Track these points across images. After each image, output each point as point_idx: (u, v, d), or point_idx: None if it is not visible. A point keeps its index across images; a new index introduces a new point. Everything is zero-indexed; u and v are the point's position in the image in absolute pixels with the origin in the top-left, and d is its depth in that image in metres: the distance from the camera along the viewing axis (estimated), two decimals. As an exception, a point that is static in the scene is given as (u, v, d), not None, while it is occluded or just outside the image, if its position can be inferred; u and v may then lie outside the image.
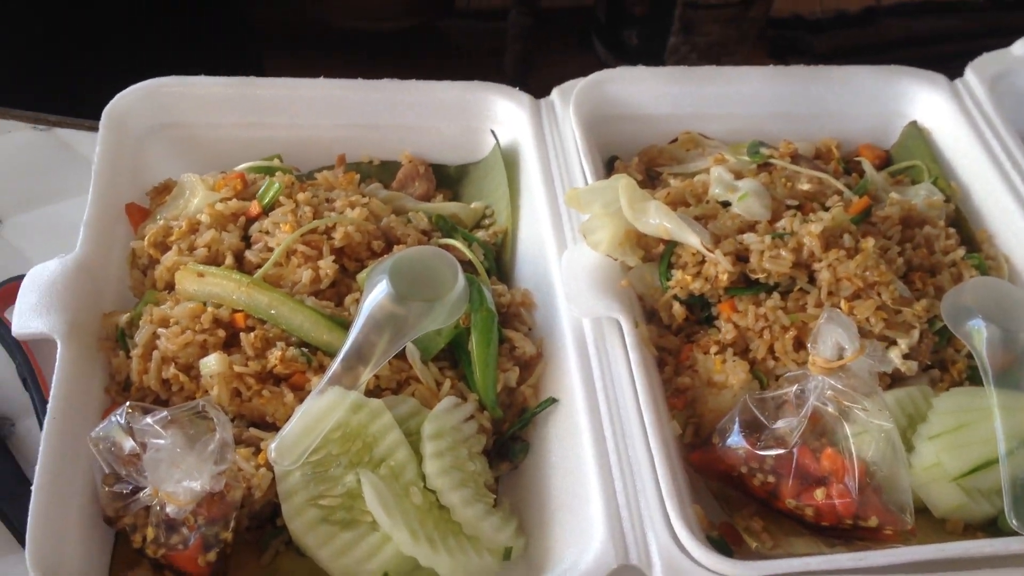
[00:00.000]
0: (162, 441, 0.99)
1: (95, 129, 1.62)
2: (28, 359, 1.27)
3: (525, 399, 1.26)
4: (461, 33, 3.88)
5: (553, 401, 1.23)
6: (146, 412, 1.05)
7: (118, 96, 1.46)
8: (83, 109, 1.72)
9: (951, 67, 1.67)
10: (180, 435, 1.00)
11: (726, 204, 1.37)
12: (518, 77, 3.64)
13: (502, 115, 1.56)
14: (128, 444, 1.03)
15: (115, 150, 1.41)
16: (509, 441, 1.24)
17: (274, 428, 1.16)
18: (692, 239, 1.27)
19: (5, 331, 1.30)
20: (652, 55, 3.68)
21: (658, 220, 1.28)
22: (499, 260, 1.45)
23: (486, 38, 3.76)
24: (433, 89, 1.56)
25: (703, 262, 1.28)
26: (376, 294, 1.17)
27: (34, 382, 1.25)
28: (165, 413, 1.02)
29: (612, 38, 3.75)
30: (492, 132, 1.55)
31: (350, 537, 1.08)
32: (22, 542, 1.13)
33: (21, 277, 1.32)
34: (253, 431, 1.15)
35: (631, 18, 3.77)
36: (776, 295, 1.26)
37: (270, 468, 1.10)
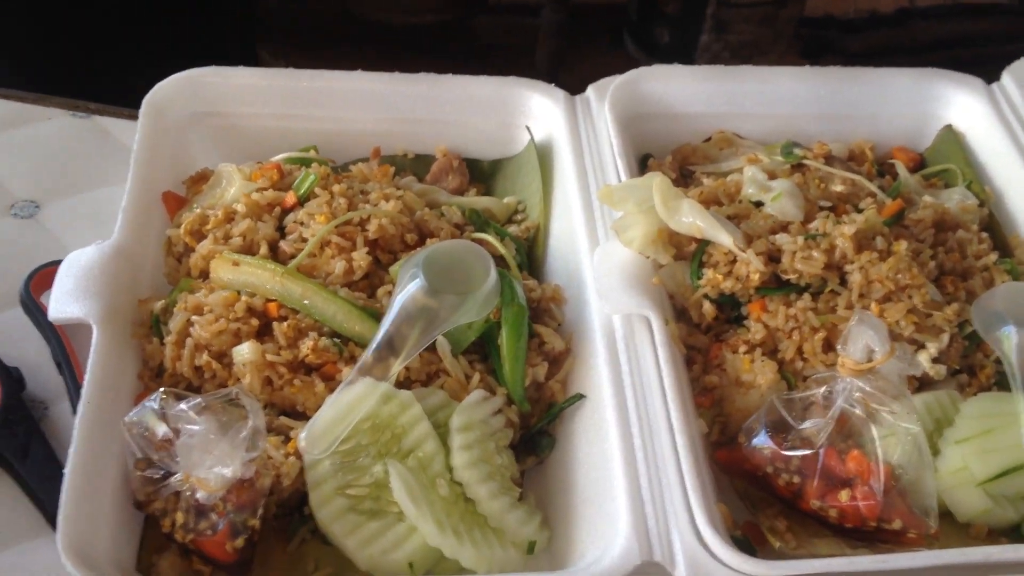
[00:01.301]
0: (195, 427, 1.01)
1: (134, 117, 1.64)
2: (63, 344, 1.29)
3: (553, 394, 1.27)
4: (494, 29, 3.89)
5: (581, 397, 1.23)
6: (179, 398, 1.07)
7: (158, 85, 1.48)
8: (121, 97, 1.74)
9: (984, 70, 1.66)
10: (213, 421, 1.01)
11: (759, 204, 1.37)
12: (550, 73, 3.64)
13: (537, 111, 1.57)
14: (161, 429, 1.04)
15: (154, 138, 1.43)
16: (536, 436, 1.25)
17: (304, 417, 1.17)
18: (724, 238, 1.27)
19: (41, 315, 1.32)
20: (684, 53, 3.68)
21: (691, 219, 1.28)
22: (531, 255, 1.46)
23: (518, 34, 3.76)
24: (469, 84, 1.57)
25: (735, 261, 1.28)
26: (409, 286, 1.18)
27: (68, 367, 1.27)
28: (199, 400, 1.03)
29: (644, 36, 3.75)
30: (527, 128, 1.56)
31: (376, 527, 1.09)
32: (53, 525, 1.15)
33: (58, 262, 1.34)
34: (284, 419, 1.16)
35: (663, 16, 3.76)
36: (807, 296, 1.26)
37: (299, 457, 1.11)
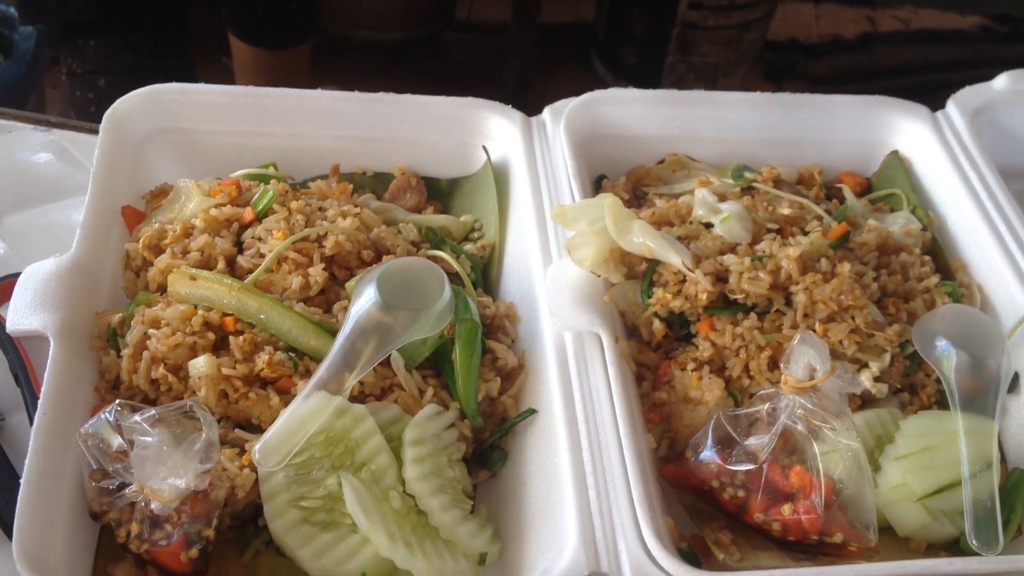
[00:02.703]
0: (149, 439, 1.02)
1: (94, 132, 1.66)
2: (20, 355, 1.30)
3: (505, 409, 1.29)
4: (461, 46, 3.92)
5: (532, 412, 1.26)
6: (135, 410, 1.08)
7: (119, 100, 1.49)
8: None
9: (943, 95, 1.70)
10: (167, 433, 1.03)
11: (709, 225, 1.40)
12: (517, 92, 3.68)
13: (494, 131, 1.59)
14: (116, 441, 1.06)
15: (114, 153, 1.44)
16: (488, 450, 1.27)
17: (259, 430, 1.19)
18: (674, 258, 1.30)
19: (-1, 328, 1.33)
20: (650, 74, 3.72)
21: (641, 239, 1.31)
22: (486, 273, 1.48)
23: (487, 52, 3.80)
24: (427, 104, 1.60)
25: (684, 281, 1.31)
26: (364, 302, 1.20)
27: (26, 378, 1.27)
28: (153, 412, 1.05)
29: (610, 56, 3.79)
30: (484, 148, 1.58)
31: (330, 538, 1.11)
32: (10, 535, 1.16)
33: (14, 275, 1.35)
34: (239, 432, 1.18)
35: (630, 36, 3.79)
36: (753, 315, 1.29)
37: (254, 469, 1.12)
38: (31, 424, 1.23)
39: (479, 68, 3.78)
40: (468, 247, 1.50)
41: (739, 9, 3.60)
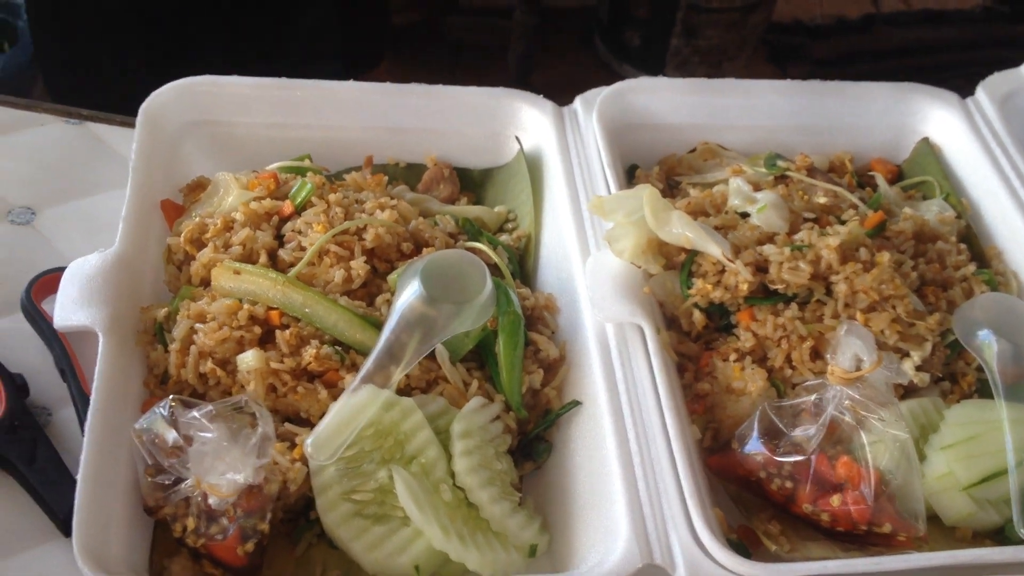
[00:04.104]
0: (208, 435, 1.03)
1: (125, 124, 1.66)
2: (66, 351, 1.31)
3: (549, 401, 1.30)
4: (465, 29, 3.91)
5: (577, 404, 1.27)
6: (187, 406, 1.09)
7: (154, 94, 1.49)
8: (111, 104, 1.76)
9: (947, 76, 1.70)
10: (224, 429, 1.04)
11: (744, 215, 1.41)
12: (520, 75, 3.68)
13: (526, 121, 1.60)
14: (171, 436, 1.07)
15: (151, 146, 1.44)
16: (533, 441, 1.28)
17: (308, 424, 1.19)
18: (713, 249, 1.30)
19: (43, 322, 1.34)
20: (653, 57, 3.71)
21: (680, 230, 1.32)
22: (522, 264, 1.49)
23: (490, 35, 3.79)
24: (459, 94, 1.60)
25: (723, 271, 1.32)
26: (408, 295, 1.21)
27: (72, 374, 1.28)
28: (210, 407, 1.06)
29: (614, 39, 3.78)
30: (516, 138, 1.59)
31: (382, 531, 1.12)
32: (61, 529, 1.17)
33: (57, 270, 1.36)
34: (288, 426, 1.18)
35: (633, 19, 3.79)
36: (794, 306, 1.29)
37: (305, 463, 1.13)
38: (79, 419, 1.25)
39: (483, 51, 3.77)
40: (503, 238, 1.50)
41: (743, -9, 3.60)
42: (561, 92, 1.64)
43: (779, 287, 1.30)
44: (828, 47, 4.13)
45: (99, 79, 2.33)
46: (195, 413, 1.04)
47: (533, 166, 1.57)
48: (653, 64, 3.80)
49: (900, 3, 4.25)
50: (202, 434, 1.04)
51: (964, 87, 1.70)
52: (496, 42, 3.64)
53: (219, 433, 1.03)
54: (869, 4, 4.27)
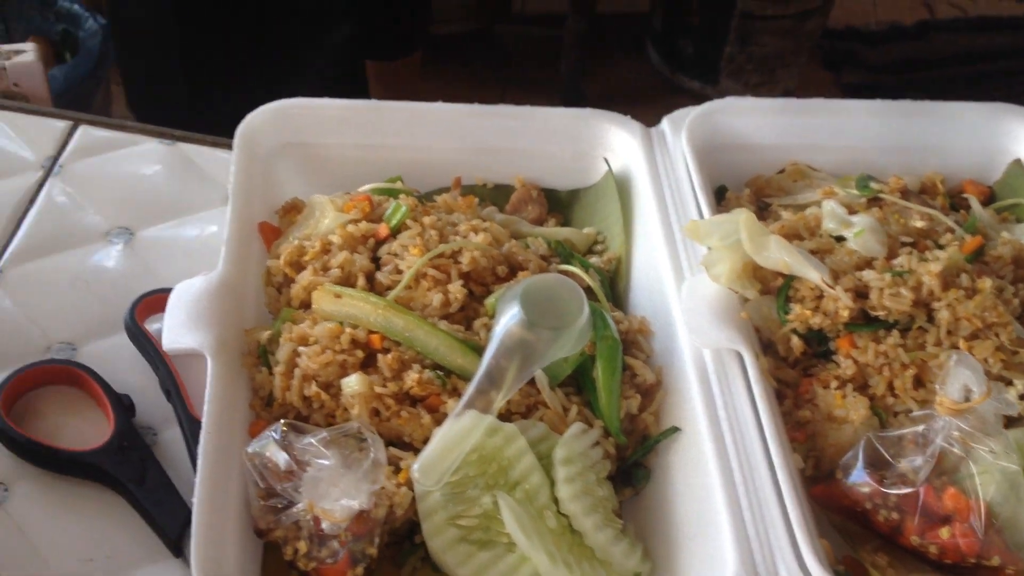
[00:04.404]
0: (326, 462, 1.04)
1: (216, 145, 1.69)
2: (171, 371, 1.33)
3: (646, 426, 1.30)
4: (517, 38, 3.93)
5: (676, 430, 1.27)
6: (297, 430, 1.11)
7: (249, 116, 1.51)
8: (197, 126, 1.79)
9: (1001, 84, 1.68)
10: (339, 455, 1.05)
11: (839, 238, 1.40)
12: (572, 83, 3.69)
13: (613, 142, 1.60)
14: (283, 460, 1.08)
15: (248, 168, 1.46)
16: (631, 467, 1.28)
17: (411, 448, 1.20)
18: (812, 274, 1.30)
19: (147, 343, 1.36)
20: (707, 65, 3.72)
21: (778, 255, 1.31)
22: (613, 287, 1.49)
23: (542, 43, 3.81)
24: (547, 115, 1.61)
25: (821, 297, 1.31)
26: (507, 320, 1.22)
27: (178, 394, 1.30)
28: (324, 433, 1.07)
29: (667, 46, 3.79)
30: (605, 160, 1.59)
31: (487, 557, 1.12)
32: (171, 548, 1.20)
33: (159, 291, 1.39)
34: (392, 450, 1.19)
35: (687, 27, 3.79)
36: (896, 332, 1.29)
37: (410, 487, 1.14)
38: (185, 439, 1.27)
39: (535, 59, 3.79)
40: (593, 260, 1.50)
41: (798, -1, 3.58)
42: (613, 100, 1.65)
43: (880, 314, 1.29)
44: (883, 54, 4.11)
45: (173, 94, 2.39)
46: (311, 439, 1.06)
47: (621, 187, 1.57)
48: (707, 72, 3.80)
49: (956, 10, 4.22)
50: (319, 460, 1.05)
51: (1022, 95, 1.68)
52: (548, 50, 3.66)
53: (335, 459, 1.04)
54: (924, 11, 4.24)
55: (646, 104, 2.11)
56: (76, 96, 2.73)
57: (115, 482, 1.24)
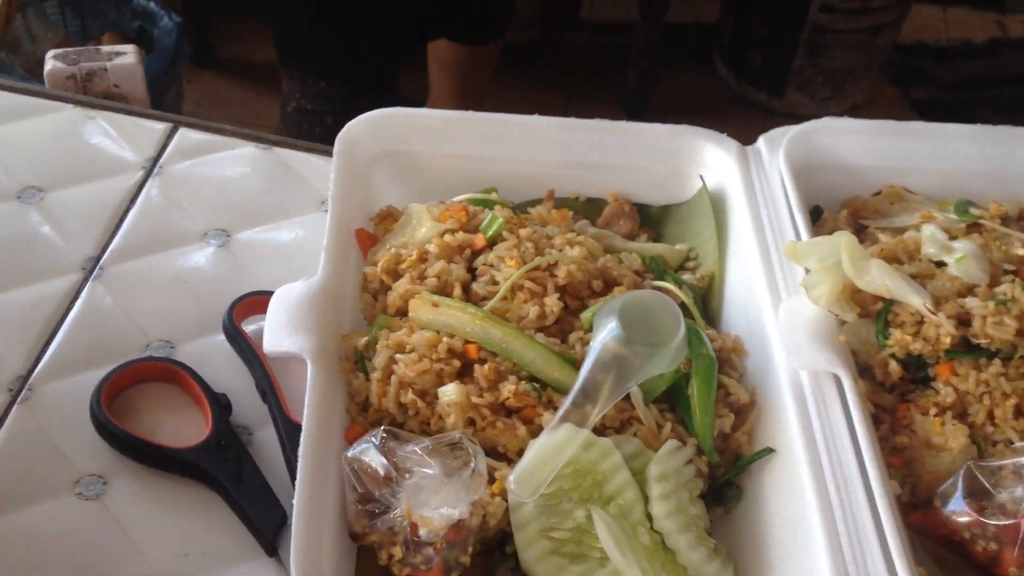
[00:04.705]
0: (428, 470, 1.05)
1: (311, 151, 1.72)
2: (267, 372, 1.35)
3: (739, 446, 1.29)
4: (584, 46, 3.93)
5: (770, 451, 1.26)
6: (395, 436, 1.12)
7: (349, 124, 1.53)
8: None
9: None
10: (440, 464, 1.06)
11: (940, 264, 1.38)
12: (639, 92, 3.67)
13: (708, 160, 1.59)
14: (382, 466, 1.09)
15: (347, 176, 1.48)
16: (723, 486, 1.28)
17: (505, 459, 1.21)
18: (914, 300, 1.28)
19: (244, 344, 1.38)
20: (775, 77, 3.69)
21: (880, 279, 1.30)
22: (705, 304, 1.48)
23: (609, 52, 3.80)
24: (642, 131, 1.61)
25: (921, 322, 1.30)
26: (604, 335, 1.22)
27: (273, 395, 1.32)
28: (427, 442, 1.08)
29: (735, 58, 3.77)
30: (700, 177, 1.58)
31: (579, 571, 1.12)
32: (266, 548, 1.21)
33: (257, 293, 1.41)
34: (487, 460, 1.20)
35: (756, 39, 3.75)
36: (997, 361, 1.27)
37: (504, 497, 1.15)
38: (280, 440, 1.29)
39: (602, 68, 3.78)
40: (686, 277, 1.50)
41: (871, 12, 3.53)
42: (680, 111, 1.64)
43: (982, 342, 1.27)
44: (953, 70, 4.07)
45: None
46: (414, 447, 1.07)
47: (715, 205, 1.56)
48: (774, 84, 3.77)
49: (1027, 28, 4.17)
50: (422, 468, 1.06)
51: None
52: (616, 59, 3.65)
53: (437, 468, 1.05)
54: (996, 28, 4.19)
55: (709, 114, 2.10)
56: (152, 93, 2.79)
57: (212, 480, 1.26)
